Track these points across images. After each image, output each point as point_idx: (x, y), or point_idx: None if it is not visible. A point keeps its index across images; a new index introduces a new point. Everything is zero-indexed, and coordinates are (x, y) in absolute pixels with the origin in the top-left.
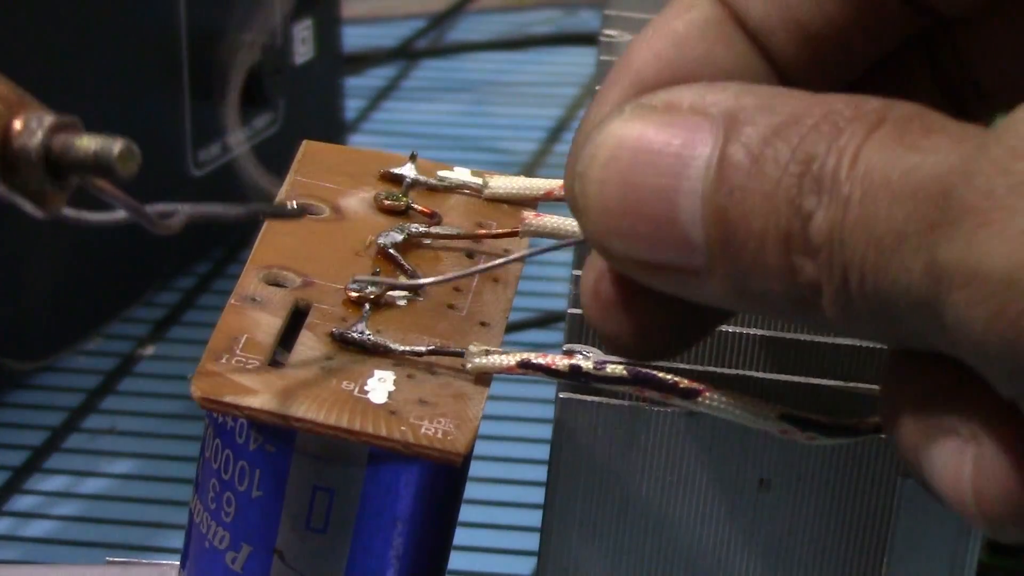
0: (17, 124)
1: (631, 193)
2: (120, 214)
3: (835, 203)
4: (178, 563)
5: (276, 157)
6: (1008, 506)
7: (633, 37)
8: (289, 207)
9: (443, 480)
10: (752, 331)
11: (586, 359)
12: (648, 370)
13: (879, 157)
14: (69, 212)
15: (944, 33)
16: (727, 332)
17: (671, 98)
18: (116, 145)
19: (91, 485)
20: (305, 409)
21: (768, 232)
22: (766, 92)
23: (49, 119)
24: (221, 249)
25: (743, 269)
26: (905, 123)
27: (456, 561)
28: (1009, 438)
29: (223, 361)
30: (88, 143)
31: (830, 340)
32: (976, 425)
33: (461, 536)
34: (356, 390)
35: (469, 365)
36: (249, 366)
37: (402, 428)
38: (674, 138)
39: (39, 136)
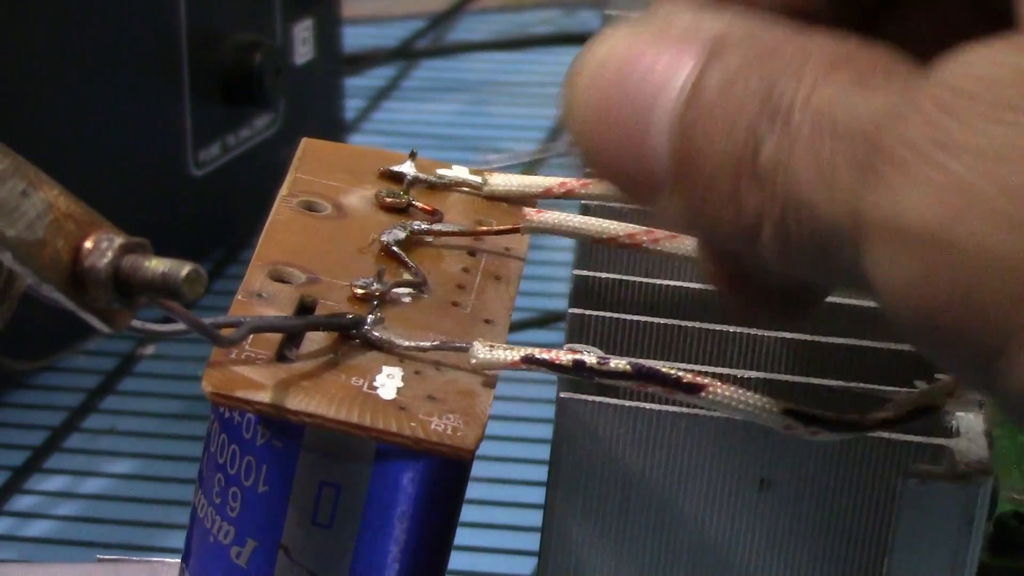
0: (88, 244)
1: (610, 101)
2: (183, 326)
3: (786, 134)
4: (170, 560)
5: (276, 157)
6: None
7: None
8: (345, 317)
9: (448, 477)
10: (754, 332)
11: (589, 355)
12: (652, 365)
13: (832, 93)
14: (136, 323)
15: None
16: (729, 332)
17: (667, 21)
18: (184, 268)
19: (91, 485)
20: (316, 404)
21: (725, 155)
22: (757, 23)
23: (119, 240)
24: (221, 250)
25: (699, 192)
26: (870, 65)
27: (456, 561)
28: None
29: (232, 355)
30: (156, 265)
31: (832, 341)
32: None
33: (461, 536)
34: (365, 386)
35: (474, 360)
36: (258, 361)
37: (412, 424)
38: (659, 58)
39: (109, 257)
